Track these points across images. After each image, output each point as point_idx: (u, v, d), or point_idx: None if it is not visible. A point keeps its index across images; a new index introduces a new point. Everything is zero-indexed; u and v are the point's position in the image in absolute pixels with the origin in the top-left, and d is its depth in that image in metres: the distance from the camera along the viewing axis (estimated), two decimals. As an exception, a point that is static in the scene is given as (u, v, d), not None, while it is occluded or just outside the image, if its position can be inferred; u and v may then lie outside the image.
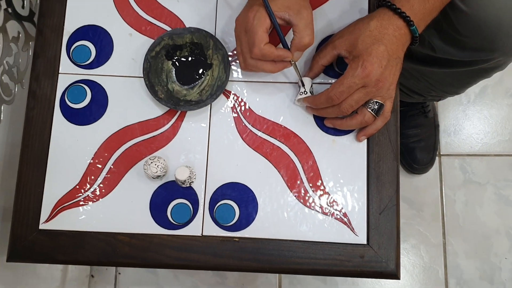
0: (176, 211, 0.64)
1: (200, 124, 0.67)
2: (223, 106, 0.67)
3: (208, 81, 0.67)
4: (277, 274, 1.16)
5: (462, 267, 1.16)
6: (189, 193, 0.65)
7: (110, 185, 0.65)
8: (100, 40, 0.70)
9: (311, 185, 0.64)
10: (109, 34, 0.70)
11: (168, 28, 0.70)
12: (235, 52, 0.69)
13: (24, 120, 0.67)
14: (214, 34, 0.69)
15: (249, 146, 0.66)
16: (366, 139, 0.65)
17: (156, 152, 0.66)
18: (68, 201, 0.65)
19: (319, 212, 0.64)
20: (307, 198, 0.64)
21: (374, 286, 1.16)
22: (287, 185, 0.65)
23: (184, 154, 0.66)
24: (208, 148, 0.66)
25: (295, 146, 0.66)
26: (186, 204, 0.64)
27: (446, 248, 1.17)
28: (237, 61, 0.68)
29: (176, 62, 0.68)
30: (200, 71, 0.68)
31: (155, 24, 0.70)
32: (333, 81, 0.66)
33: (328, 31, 0.69)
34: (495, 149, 1.22)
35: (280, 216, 0.64)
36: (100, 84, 0.68)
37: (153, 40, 0.68)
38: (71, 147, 0.66)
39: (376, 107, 0.60)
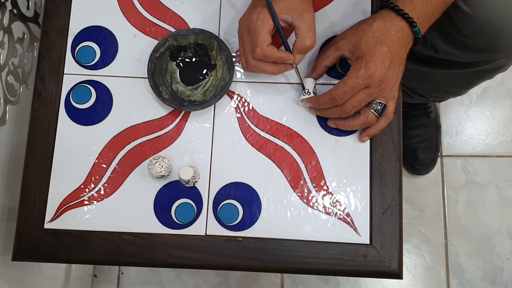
0: (180, 211, 0.65)
1: (204, 124, 0.67)
2: (227, 107, 0.68)
3: (212, 82, 0.68)
4: (280, 274, 1.16)
5: (464, 267, 1.16)
6: (193, 193, 0.65)
7: (114, 184, 0.66)
8: (104, 41, 0.70)
9: (314, 185, 0.65)
10: (114, 35, 0.70)
11: (172, 29, 0.70)
12: (238, 53, 0.69)
13: (29, 120, 0.68)
14: (218, 35, 0.69)
15: (252, 146, 0.66)
16: (369, 140, 0.66)
17: (160, 152, 0.66)
18: (73, 200, 0.65)
19: (322, 212, 0.64)
20: (310, 198, 0.64)
21: (376, 287, 1.17)
22: (291, 185, 0.65)
23: (188, 154, 0.66)
24: (212, 148, 0.66)
25: (299, 146, 0.66)
26: (190, 203, 0.65)
27: (448, 248, 1.17)
28: (240, 62, 0.68)
29: (180, 63, 0.68)
30: (204, 71, 0.68)
31: (159, 25, 0.70)
32: (336, 82, 0.66)
33: (331, 32, 0.69)
34: (497, 150, 1.22)
35: (284, 216, 0.64)
36: (104, 85, 0.69)
37: (157, 41, 0.68)
38: (76, 147, 0.67)
39: (379, 107, 0.60)
